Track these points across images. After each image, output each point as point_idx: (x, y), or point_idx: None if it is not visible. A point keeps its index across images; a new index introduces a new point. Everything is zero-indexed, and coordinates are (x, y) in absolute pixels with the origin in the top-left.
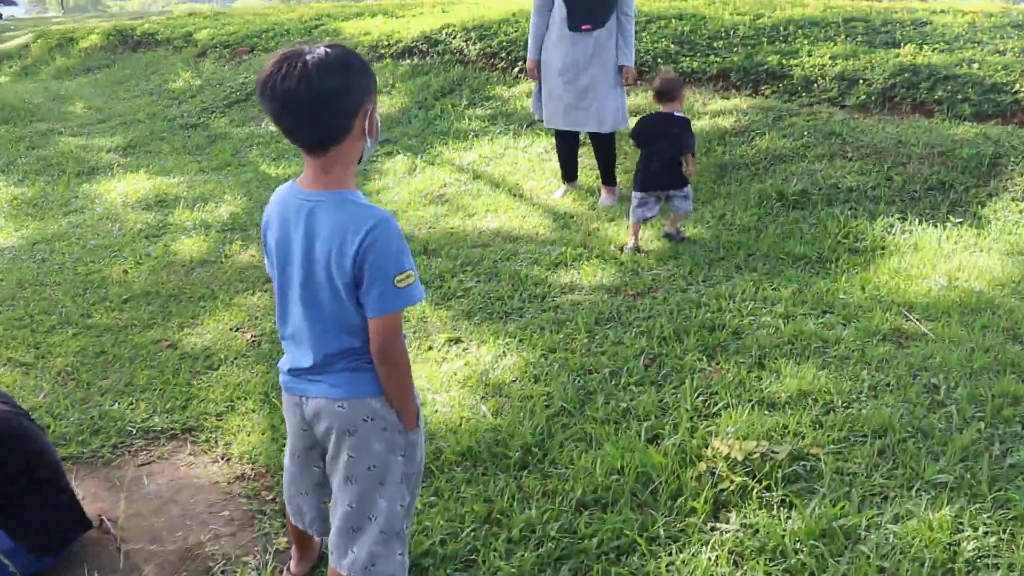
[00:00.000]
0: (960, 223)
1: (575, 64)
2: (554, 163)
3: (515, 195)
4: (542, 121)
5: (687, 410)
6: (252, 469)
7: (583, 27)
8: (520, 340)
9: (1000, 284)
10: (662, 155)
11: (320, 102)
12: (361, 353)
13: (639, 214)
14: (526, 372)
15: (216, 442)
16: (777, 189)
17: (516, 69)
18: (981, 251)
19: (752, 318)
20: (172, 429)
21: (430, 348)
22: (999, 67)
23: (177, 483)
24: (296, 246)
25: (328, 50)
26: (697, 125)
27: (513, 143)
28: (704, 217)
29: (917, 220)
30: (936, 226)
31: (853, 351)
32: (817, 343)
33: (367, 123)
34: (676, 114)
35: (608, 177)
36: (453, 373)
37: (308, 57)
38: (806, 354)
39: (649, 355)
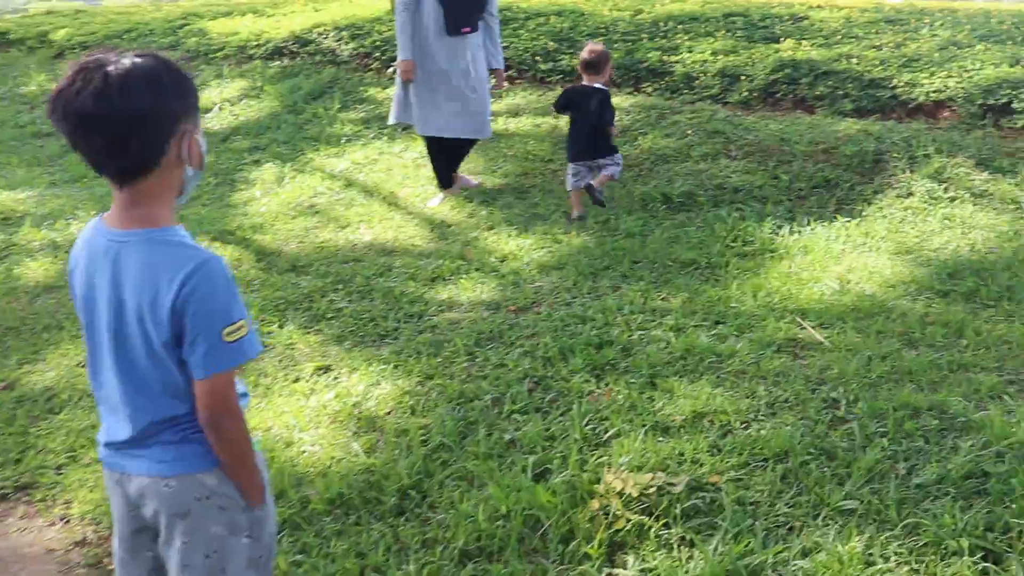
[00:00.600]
0: (848, 222)
1: (458, 70)
2: (429, 169)
3: (390, 204)
4: (409, 127)
5: (576, 440)
6: (95, 532)
7: (463, 30)
8: (395, 366)
9: (891, 285)
10: (587, 126)
11: (122, 125)
12: (189, 421)
13: (573, 183)
14: (402, 403)
15: (54, 500)
16: (662, 191)
17: (390, 70)
18: (870, 251)
19: (641, 332)
20: (2, 489)
21: (297, 379)
22: (876, 62)
23: (6, 555)
24: (103, 296)
25: (136, 60)
26: None
27: (387, 148)
28: (587, 223)
29: (805, 220)
30: (824, 225)
31: (748, 365)
32: (711, 357)
33: (185, 149)
34: (597, 86)
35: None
36: (323, 406)
37: (110, 69)
38: (700, 370)
39: (533, 378)
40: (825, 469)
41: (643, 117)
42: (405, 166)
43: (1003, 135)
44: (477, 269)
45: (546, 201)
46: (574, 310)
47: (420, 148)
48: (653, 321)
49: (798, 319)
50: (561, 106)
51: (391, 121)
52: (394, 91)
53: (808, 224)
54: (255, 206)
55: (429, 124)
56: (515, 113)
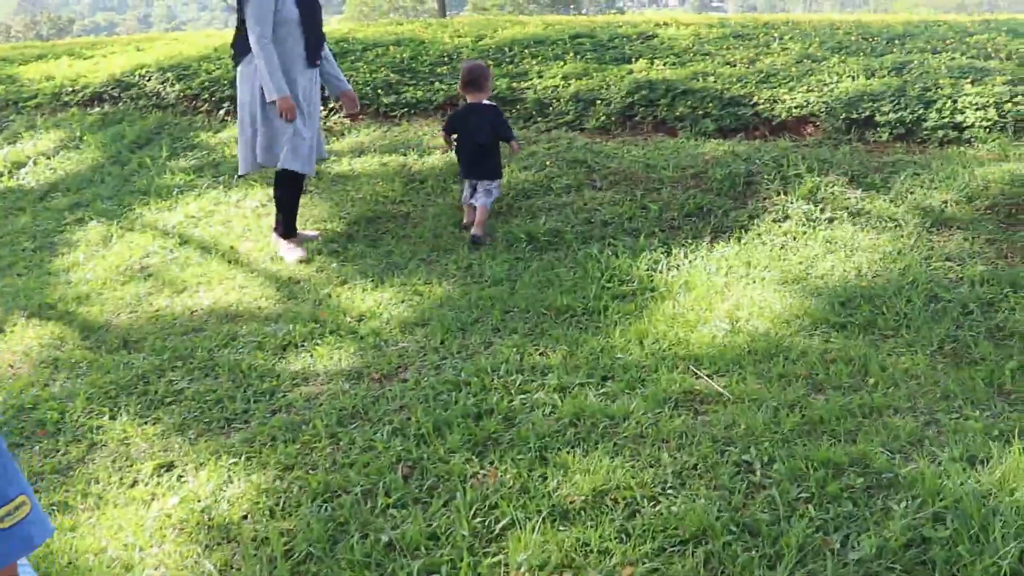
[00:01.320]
0: (727, 251)
1: (314, 101)
2: (271, 219)
3: (230, 261)
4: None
5: (464, 536)
6: None
7: (317, 61)
8: (248, 458)
9: (784, 320)
10: (472, 144)
11: None
12: None
13: (466, 197)
14: (259, 503)
15: None
16: (526, 230)
17: (221, 112)
18: (755, 282)
19: (523, 396)
20: None
21: (134, 483)
22: (733, 79)
23: None
24: None
25: None
26: (428, 162)
27: (224, 197)
28: (448, 270)
29: (682, 253)
30: (703, 257)
31: (647, 427)
32: (604, 421)
33: None
34: (485, 103)
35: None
36: (166, 516)
37: None
38: (593, 438)
39: (407, 462)
40: (751, 550)
41: None
42: (244, 217)
43: (870, 149)
44: (332, 332)
45: (401, 248)
46: (445, 375)
47: (258, 196)
48: (534, 381)
49: (692, 368)
50: (449, 130)
51: (243, 172)
52: (240, 136)
53: (686, 256)
54: (79, 272)
55: (298, 159)
56: (359, 152)
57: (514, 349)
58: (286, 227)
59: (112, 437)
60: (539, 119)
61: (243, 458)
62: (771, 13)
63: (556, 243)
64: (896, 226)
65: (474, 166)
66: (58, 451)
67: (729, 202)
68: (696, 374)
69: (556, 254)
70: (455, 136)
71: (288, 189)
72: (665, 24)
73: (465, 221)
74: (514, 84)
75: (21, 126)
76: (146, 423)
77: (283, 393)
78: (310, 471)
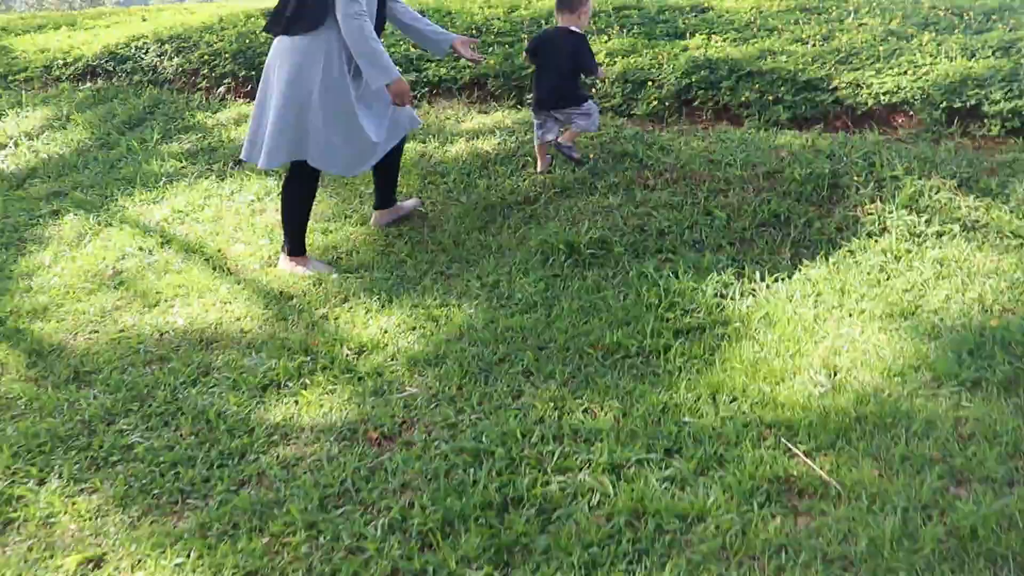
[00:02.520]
0: (813, 273)
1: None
2: (267, 217)
3: (215, 268)
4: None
5: None
6: None
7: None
8: (199, 556)
9: (897, 373)
10: (553, 71)
11: None
12: None
13: (539, 135)
14: None
15: None
16: (565, 239)
17: (221, 89)
18: (852, 316)
19: (563, 477)
20: None
21: None
22: (808, 59)
23: None
24: None
25: None
26: (451, 152)
27: (217, 189)
28: (470, 288)
29: (758, 273)
30: (784, 280)
31: (731, 537)
32: (671, 523)
33: None
34: (572, 28)
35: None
36: None
37: None
38: (658, 549)
39: (409, 573)
40: None
41: (530, 137)
42: (238, 212)
43: (977, 146)
44: (325, 368)
45: (415, 257)
46: (462, 438)
47: (255, 189)
48: (578, 454)
49: (784, 440)
50: (530, 51)
51: (267, 166)
52: (278, 123)
53: (762, 279)
54: (43, 277)
55: (360, 162)
56: None
57: (551, 404)
58: (296, 243)
59: (33, 514)
60: None
61: (193, 555)
62: None
63: (602, 257)
64: (1022, 244)
65: (551, 95)
66: None
67: (812, 209)
68: (791, 450)
69: (602, 271)
70: (535, 63)
71: (307, 194)
72: None
73: (539, 168)
74: None
75: (6, 103)
76: (80, 493)
77: (256, 455)
78: None
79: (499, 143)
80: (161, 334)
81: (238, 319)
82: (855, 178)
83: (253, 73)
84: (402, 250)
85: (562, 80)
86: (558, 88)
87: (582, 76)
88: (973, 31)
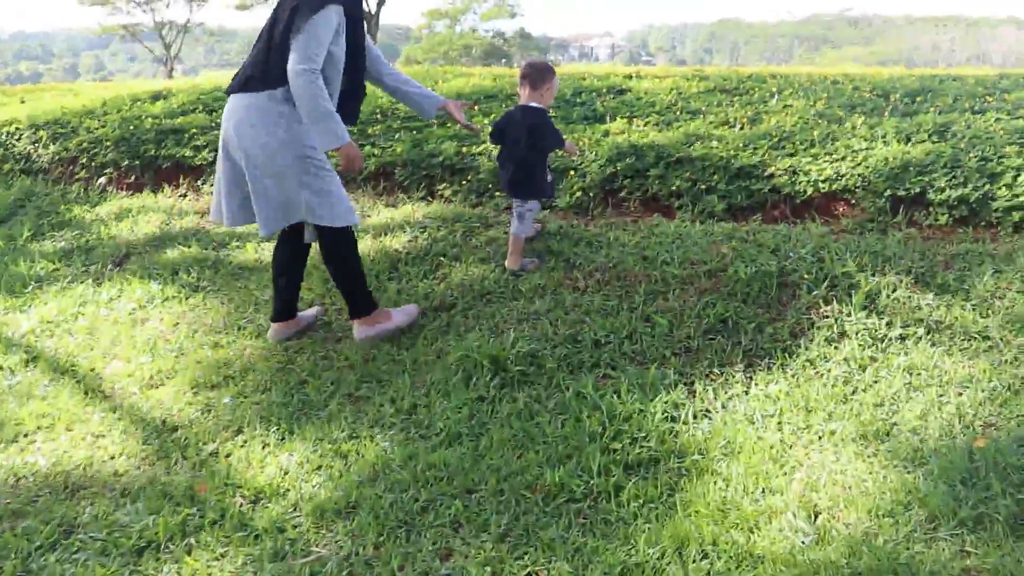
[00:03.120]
0: (772, 389)
1: None
2: (149, 327)
3: (88, 392)
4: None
5: None
6: None
7: (357, 119)
8: None
9: (888, 513)
10: (511, 154)
11: None
12: None
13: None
14: None
15: None
16: (489, 353)
17: (101, 179)
18: (823, 439)
19: None
20: None
21: None
22: (740, 144)
23: None
24: None
25: None
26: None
27: (93, 295)
28: (384, 414)
29: (711, 391)
30: (740, 397)
31: None
32: None
33: None
34: (533, 105)
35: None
36: None
37: None
38: None
39: None
40: None
41: (444, 234)
42: (117, 323)
43: (926, 236)
44: (215, 522)
45: (320, 376)
46: None
47: (137, 295)
48: None
49: None
50: (496, 132)
51: (269, 232)
52: (334, 187)
53: (716, 396)
54: None
55: (345, 210)
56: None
57: (486, 568)
58: (364, 301)
59: None
60: (497, 193)
61: None
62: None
63: (532, 374)
64: (991, 346)
65: (506, 180)
66: None
67: (761, 312)
68: None
69: (533, 391)
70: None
71: (349, 251)
72: (637, 76)
73: (508, 263)
74: (463, 148)
75: None
76: None
77: None
78: None
79: (409, 240)
80: (17, 479)
81: (112, 458)
82: (804, 276)
83: (137, 162)
84: (304, 367)
85: (517, 165)
86: (514, 172)
87: (549, 157)
88: (901, 113)
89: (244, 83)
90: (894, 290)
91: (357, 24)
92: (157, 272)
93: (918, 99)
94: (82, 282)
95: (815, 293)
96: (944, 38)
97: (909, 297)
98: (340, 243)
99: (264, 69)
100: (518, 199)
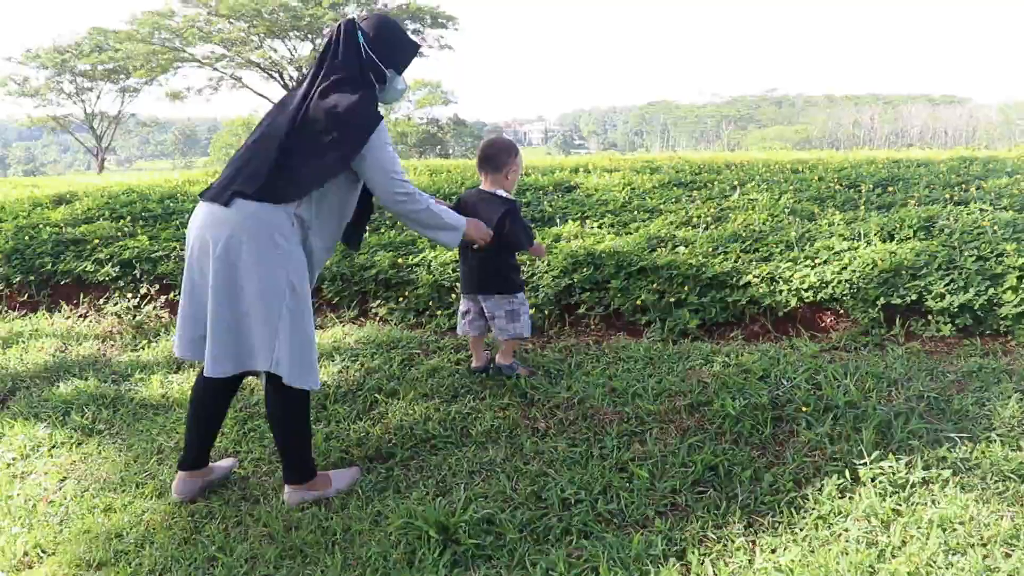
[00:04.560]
0: (782, 559)
1: None
2: (36, 480)
3: None
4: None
5: None
6: None
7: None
8: None
9: None
10: (474, 252)
11: None
12: None
13: (461, 326)
14: None
15: None
16: (436, 519)
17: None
18: None
19: None
20: None
21: None
22: (708, 248)
23: None
24: None
25: None
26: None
27: None
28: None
29: (708, 565)
30: (743, 569)
31: None
32: None
33: None
34: (499, 193)
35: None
36: None
37: None
38: None
39: None
40: None
41: (379, 363)
42: None
43: (929, 351)
44: None
45: (232, 549)
46: None
47: (17, 443)
48: None
49: None
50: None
51: (317, 386)
52: (262, 321)
53: (714, 571)
54: None
55: (312, 371)
56: (181, 361)
57: None
58: (304, 467)
59: None
60: (439, 311)
61: None
62: (633, 153)
63: (491, 547)
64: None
65: (478, 276)
66: None
67: (756, 456)
68: None
69: (492, 569)
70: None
71: (302, 410)
72: (585, 171)
73: (473, 365)
74: (400, 260)
75: None
76: None
77: None
78: None
79: (339, 372)
80: None
81: None
82: (802, 408)
83: (32, 278)
84: (214, 537)
85: (485, 257)
86: (483, 265)
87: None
88: (876, 206)
89: (241, 192)
90: (906, 421)
91: None
92: (46, 412)
93: (890, 188)
94: None
95: (816, 430)
96: (864, 116)
97: (926, 429)
98: (296, 401)
99: (273, 181)
100: (500, 293)
